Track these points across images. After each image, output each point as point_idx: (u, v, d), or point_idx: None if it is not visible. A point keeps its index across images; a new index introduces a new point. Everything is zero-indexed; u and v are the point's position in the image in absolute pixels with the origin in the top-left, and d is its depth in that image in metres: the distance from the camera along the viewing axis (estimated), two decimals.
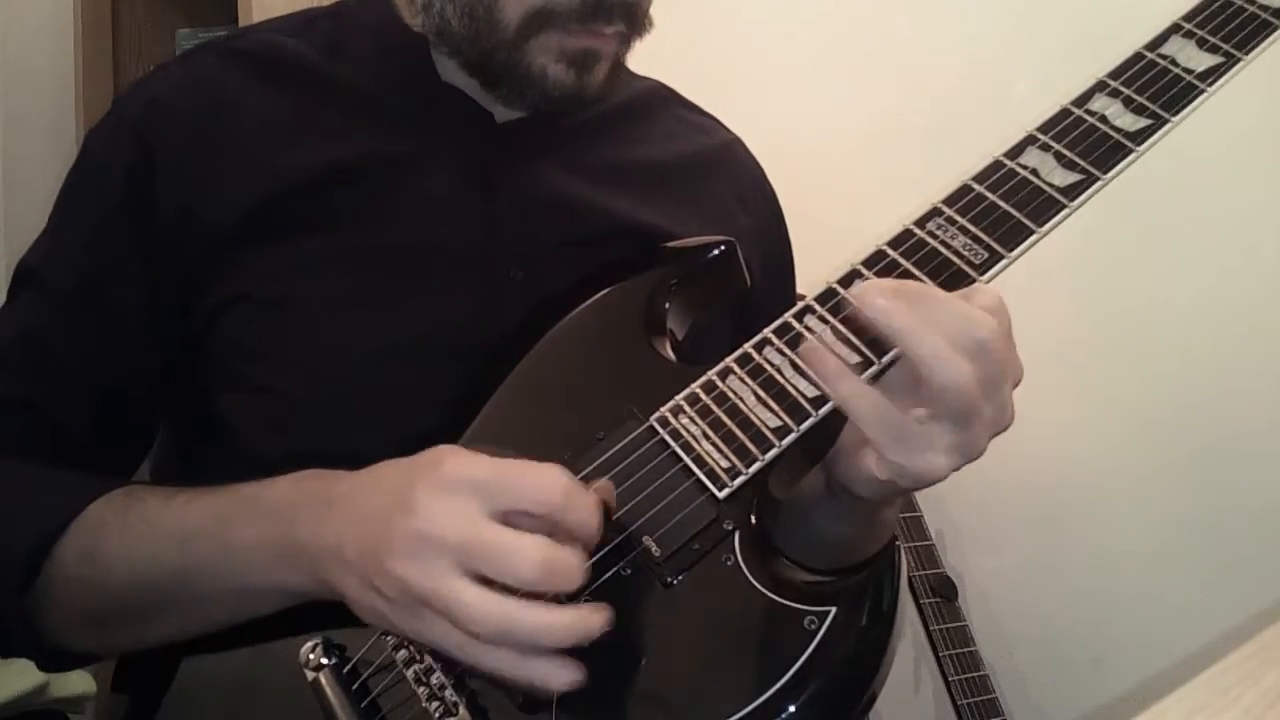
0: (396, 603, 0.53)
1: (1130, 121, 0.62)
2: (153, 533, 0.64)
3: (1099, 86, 0.64)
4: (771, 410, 0.60)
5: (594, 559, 0.57)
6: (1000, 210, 0.61)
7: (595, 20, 0.69)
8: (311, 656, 0.58)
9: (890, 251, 0.62)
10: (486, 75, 0.73)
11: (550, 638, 0.51)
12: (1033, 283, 0.77)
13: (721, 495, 0.59)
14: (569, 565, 0.51)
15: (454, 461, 0.54)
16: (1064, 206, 0.60)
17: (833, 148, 1.49)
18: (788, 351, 0.61)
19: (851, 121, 1.50)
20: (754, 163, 0.91)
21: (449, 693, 0.57)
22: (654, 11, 0.73)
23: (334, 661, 0.58)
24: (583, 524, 0.53)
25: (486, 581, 0.51)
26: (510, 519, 0.52)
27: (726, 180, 0.87)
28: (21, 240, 0.76)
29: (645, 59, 0.78)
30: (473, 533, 0.51)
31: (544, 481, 0.53)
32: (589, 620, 0.52)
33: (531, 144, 0.77)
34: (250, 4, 1.55)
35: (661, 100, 0.89)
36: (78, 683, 1.41)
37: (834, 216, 1.15)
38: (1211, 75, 0.62)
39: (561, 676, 0.51)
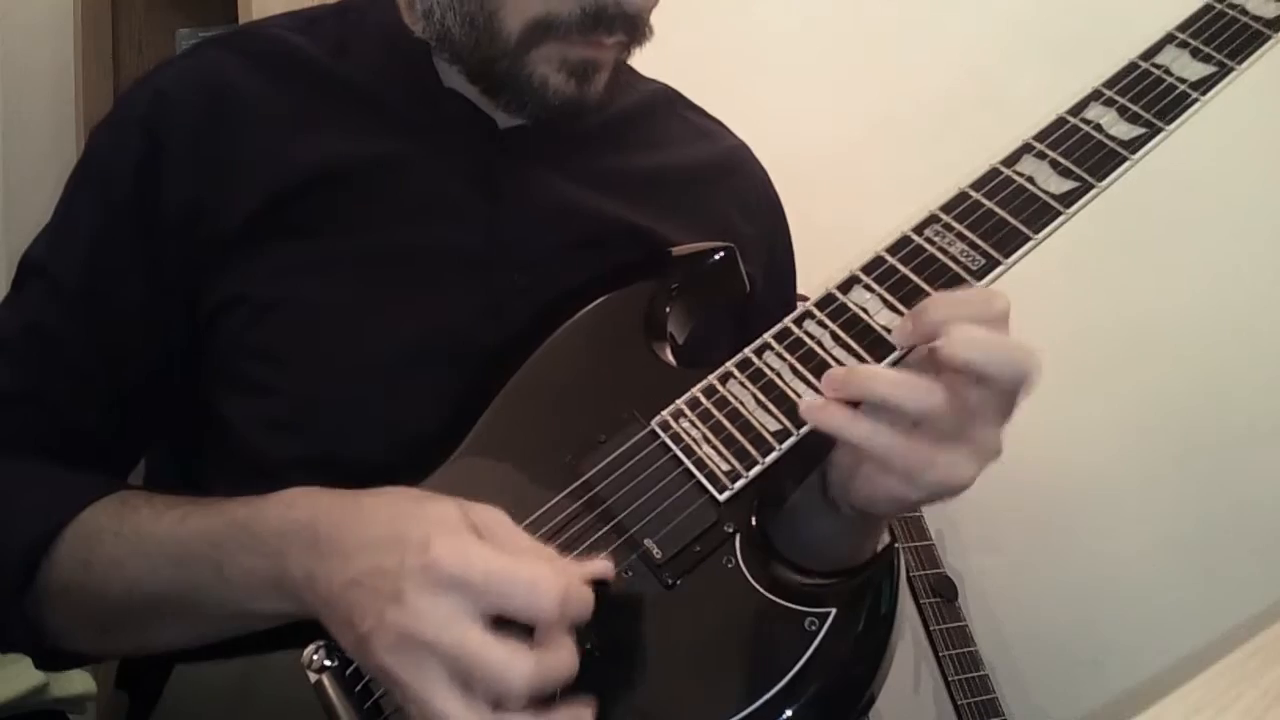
0: (382, 676, 0.53)
1: (1125, 130, 0.62)
2: (148, 549, 0.64)
3: (1094, 95, 0.64)
4: (771, 414, 0.61)
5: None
6: (997, 217, 0.62)
7: (596, 31, 0.69)
8: (315, 658, 0.58)
9: (888, 258, 0.63)
10: (487, 83, 0.73)
11: None
12: (1031, 285, 0.77)
13: (722, 498, 0.60)
14: (561, 670, 0.51)
15: (444, 550, 0.51)
16: (1059, 213, 0.61)
17: (833, 148, 1.49)
18: (787, 356, 0.62)
19: (852, 122, 1.51)
20: (759, 169, 0.90)
21: None
22: (656, 11, 0.72)
23: (337, 664, 0.58)
24: (578, 620, 0.52)
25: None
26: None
27: (731, 187, 0.86)
28: (22, 239, 0.76)
29: (647, 58, 0.78)
30: (463, 642, 0.50)
31: (538, 592, 0.50)
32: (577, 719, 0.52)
33: (534, 149, 0.77)
34: (250, 4, 1.55)
35: (667, 104, 0.89)
36: (78, 683, 1.41)
37: (834, 217, 1.16)
38: (1205, 85, 0.63)
39: None
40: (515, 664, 0.49)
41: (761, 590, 0.58)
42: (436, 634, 0.50)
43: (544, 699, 0.51)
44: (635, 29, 0.71)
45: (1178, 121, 0.62)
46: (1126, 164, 0.62)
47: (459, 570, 0.51)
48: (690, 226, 0.80)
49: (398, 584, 0.51)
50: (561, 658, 0.51)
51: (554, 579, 0.51)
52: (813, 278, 0.75)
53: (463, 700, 0.50)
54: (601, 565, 0.56)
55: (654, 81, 0.89)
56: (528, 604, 0.50)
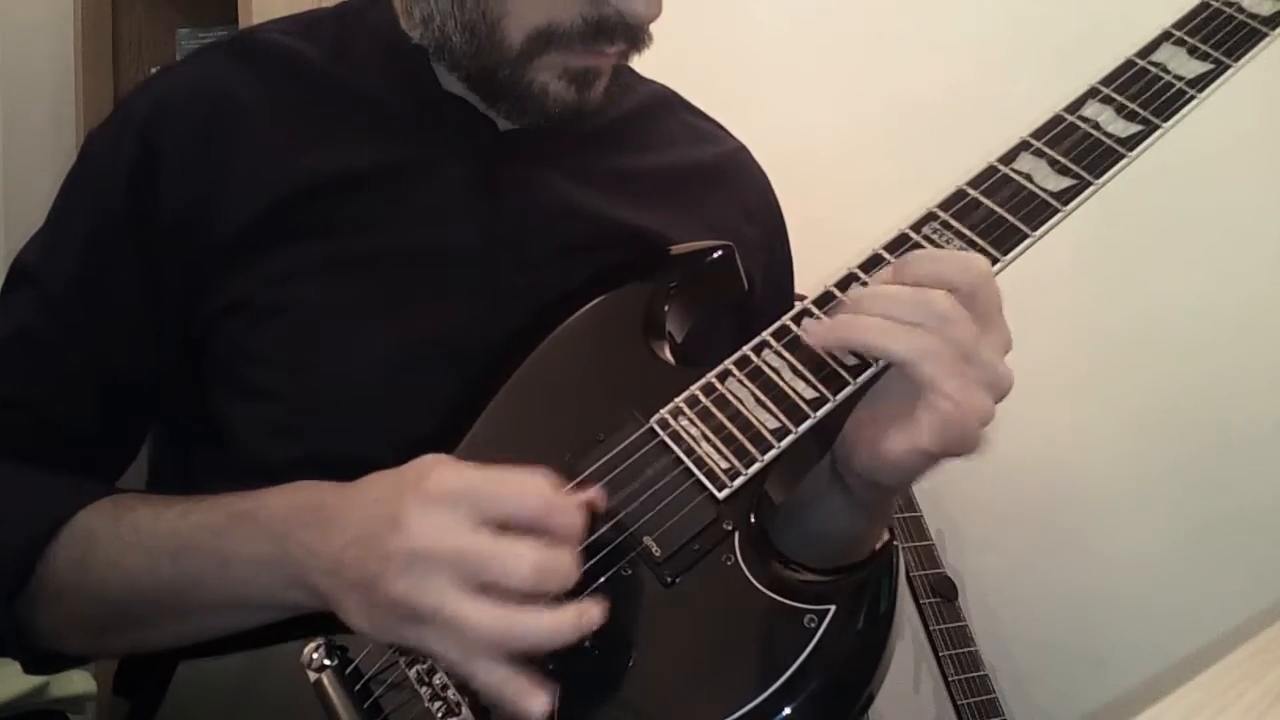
0: (397, 619, 0.53)
1: (1122, 128, 0.63)
2: (146, 545, 0.64)
3: (1091, 93, 0.65)
4: (770, 412, 0.61)
5: (594, 560, 0.58)
6: (995, 215, 0.62)
7: (598, 40, 0.69)
8: (314, 658, 0.59)
9: (886, 255, 0.63)
10: (487, 91, 0.73)
11: (554, 638, 0.52)
12: (1032, 285, 0.78)
13: (721, 496, 0.60)
14: (563, 563, 0.52)
15: (438, 474, 0.54)
16: (1057, 210, 0.61)
17: (832, 148, 1.50)
18: (786, 354, 0.62)
19: (851, 122, 1.51)
20: (759, 172, 0.90)
21: (451, 692, 0.57)
22: None
23: (336, 663, 0.59)
24: (568, 527, 0.54)
25: (483, 590, 0.52)
26: (498, 527, 0.53)
27: (731, 190, 0.86)
28: (20, 239, 0.76)
29: (646, 59, 0.78)
30: (464, 543, 0.52)
31: (526, 490, 0.53)
32: (587, 614, 0.52)
33: (534, 151, 0.77)
34: (250, 4, 1.55)
35: (667, 106, 0.89)
36: (78, 683, 1.41)
37: (833, 217, 1.16)
38: (1201, 82, 0.63)
39: (534, 703, 0.52)
40: (519, 552, 0.51)
41: (760, 587, 0.58)
42: (439, 543, 0.52)
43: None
44: (636, 38, 0.71)
45: (1175, 119, 0.63)
46: (1124, 161, 0.62)
47: (453, 486, 0.53)
48: (691, 227, 0.80)
49: (397, 514, 0.53)
50: (563, 556, 0.52)
51: (540, 483, 0.54)
52: (811, 276, 0.75)
53: (477, 601, 0.51)
54: (593, 494, 0.58)
55: (653, 83, 0.89)
56: (518, 503, 0.53)
